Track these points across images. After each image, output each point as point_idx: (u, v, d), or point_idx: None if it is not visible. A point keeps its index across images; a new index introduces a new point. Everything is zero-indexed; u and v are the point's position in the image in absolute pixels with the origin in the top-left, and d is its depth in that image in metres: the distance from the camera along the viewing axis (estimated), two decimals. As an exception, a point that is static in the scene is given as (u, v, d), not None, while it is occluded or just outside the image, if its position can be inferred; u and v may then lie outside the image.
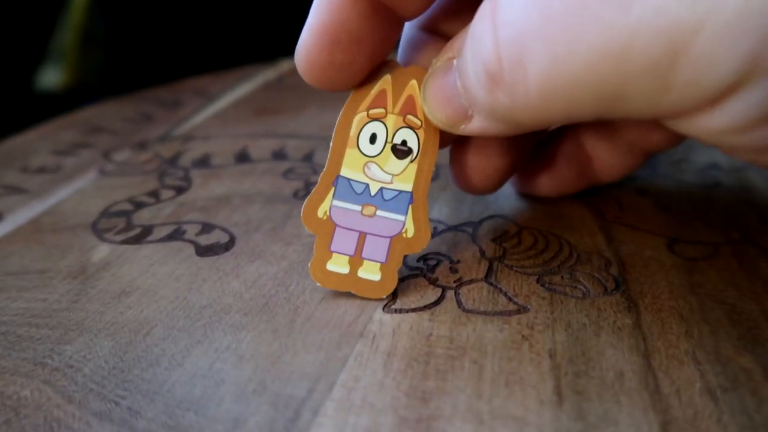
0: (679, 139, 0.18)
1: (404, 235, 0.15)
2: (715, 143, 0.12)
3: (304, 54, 0.14)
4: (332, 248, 0.15)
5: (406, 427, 0.11)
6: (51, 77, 0.64)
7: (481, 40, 0.12)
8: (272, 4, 0.66)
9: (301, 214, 0.15)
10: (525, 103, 0.12)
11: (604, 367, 0.13)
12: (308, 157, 0.24)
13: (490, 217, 0.19)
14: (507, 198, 0.20)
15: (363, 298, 0.15)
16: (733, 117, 0.11)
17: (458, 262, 0.17)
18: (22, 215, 0.21)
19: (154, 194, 0.22)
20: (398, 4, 0.14)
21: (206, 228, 0.19)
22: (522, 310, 0.15)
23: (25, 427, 0.12)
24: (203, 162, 0.25)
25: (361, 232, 0.15)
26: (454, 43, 0.14)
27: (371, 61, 0.15)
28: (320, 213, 0.15)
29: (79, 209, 0.21)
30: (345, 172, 0.15)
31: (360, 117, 0.16)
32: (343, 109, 0.16)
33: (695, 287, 0.15)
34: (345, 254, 0.15)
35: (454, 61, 0.14)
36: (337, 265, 0.15)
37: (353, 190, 0.15)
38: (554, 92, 0.11)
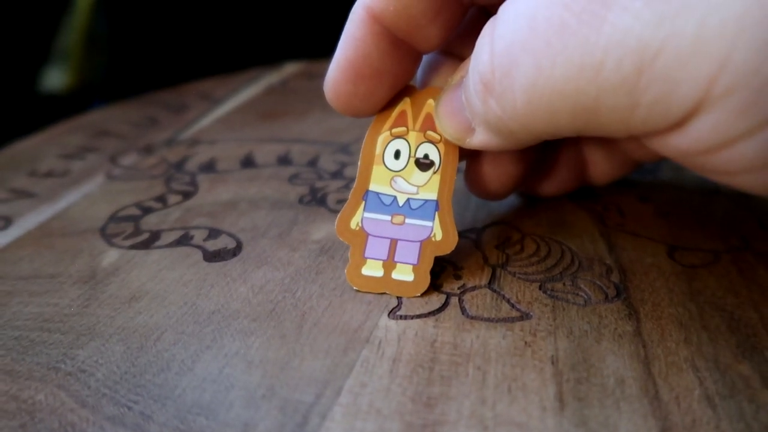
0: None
1: (433, 238, 0.16)
2: (686, 164, 0.13)
3: (332, 85, 0.16)
4: (366, 255, 0.16)
5: (412, 432, 0.12)
6: (55, 79, 0.64)
7: (479, 53, 0.13)
8: (277, 7, 0.66)
9: (335, 228, 0.17)
10: (513, 111, 0.13)
11: (605, 373, 0.13)
12: (313, 162, 0.25)
13: (494, 223, 0.19)
14: (510, 205, 0.21)
15: (370, 304, 0.15)
16: (696, 139, 0.12)
17: (462, 268, 0.17)
18: (31, 220, 0.21)
19: (162, 199, 0.22)
20: (417, 41, 0.16)
21: (213, 233, 0.19)
22: (525, 316, 0.15)
23: (41, 431, 0.12)
24: (209, 167, 0.25)
25: (392, 239, 0.16)
26: (466, 63, 0.15)
27: (392, 90, 0.17)
28: (353, 225, 0.16)
29: (88, 214, 0.21)
30: (373, 186, 0.17)
31: (384, 136, 0.17)
32: (368, 131, 0.17)
33: (695, 294, 0.15)
34: (379, 259, 0.16)
35: (464, 79, 0.15)
36: (372, 269, 0.16)
37: (382, 202, 0.17)
38: (538, 101, 0.12)
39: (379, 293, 0.16)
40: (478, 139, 0.15)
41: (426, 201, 0.16)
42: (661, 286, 0.16)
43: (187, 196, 0.22)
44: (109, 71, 0.66)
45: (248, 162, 0.25)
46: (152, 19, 0.67)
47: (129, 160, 0.26)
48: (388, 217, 0.16)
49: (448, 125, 0.16)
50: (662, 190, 0.22)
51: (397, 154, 0.17)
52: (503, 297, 0.16)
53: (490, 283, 0.16)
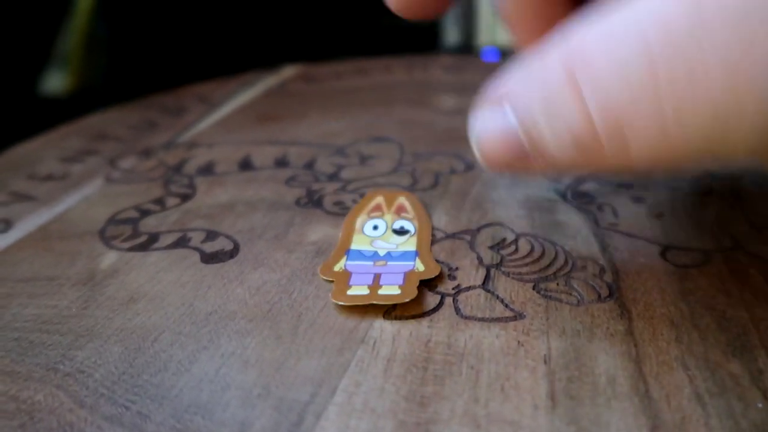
0: None
1: (416, 270, 0.17)
2: None
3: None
4: (351, 283, 0.16)
5: (405, 430, 0.12)
6: (55, 82, 0.64)
7: (563, 107, 0.11)
8: (275, 10, 0.67)
9: (319, 271, 0.17)
10: (618, 165, 0.11)
11: (596, 372, 0.13)
12: (309, 165, 0.25)
13: (488, 224, 0.20)
14: (505, 206, 0.21)
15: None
16: None
17: (456, 269, 0.17)
18: (31, 222, 0.22)
19: (160, 202, 0.22)
20: None
21: (211, 235, 0.20)
22: (518, 316, 0.15)
23: (40, 431, 0.12)
24: (207, 169, 0.25)
25: (376, 273, 0.17)
26: (502, 88, 0.13)
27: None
28: (336, 268, 0.17)
29: (87, 216, 0.22)
30: (355, 246, 0.18)
31: (362, 218, 0.19)
32: (347, 215, 0.20)
33: (686, 294, 0.16)
34: (363, 285, 0.16)
35: (507, 109, 0.13)
36: (358, 291, 0.16)
37: (363, 255, 0.18)
38: (657, 160, 0.11)
39: (366, 304, 0.15)
40: (535, 168, 0.13)
41: (405, 252, 0.18)
42: (653, 286, 0.16)
43: (185, 198, 0.23)
44: (109, 74, 0.66)
45: (246, 164, 0.25)
46: (152, 22, 0.67)
47: (128, 163, 0.27)
48: (371, 263, 0.17)
49: (495, 158, 0.14)
50: (655, 190, 0.22)
51: (375, 227, 0.19)
52: (497, 297, 0.16)
53: (484, 283, 0.16)
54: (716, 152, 0.11)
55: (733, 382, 0.13)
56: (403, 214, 0.20)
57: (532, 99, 0.12)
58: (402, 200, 0.20)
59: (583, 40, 0.11)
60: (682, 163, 0.11)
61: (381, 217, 0.19)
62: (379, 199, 0.20)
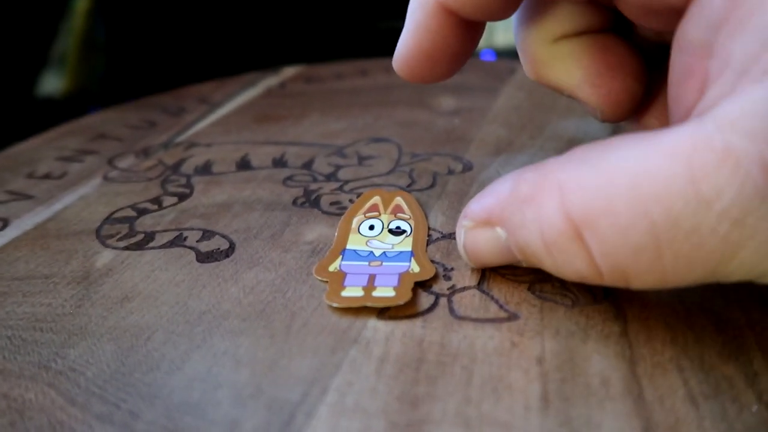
0: None
1: (411, 271, 0.17)
2: None
3: (407, 70, 0.17)
4: (345, 284, 0.16)
5: (397, 431, 0.12)
6: (52, 83, 0.65)
7: (571, 257, 0.13)
8: (275, 11, 0.67)
9: (314, 271, 0.17)
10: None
11: (590, 373, 0.13)
12: (308, 165, 0.25)
13: (485, 225, 0.19)
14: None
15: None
16: None
17: (452, 269, 0.17)
18: (28, 221, 0.22)
19: (157, 201, 0.22)
20: (492, 18, 0.16)
21: (207, 235, 0.20)
22: (513, 317, 0.15)
23: (30, 429, 0.12)
24: (205, 169, 0.25)
25: (370, 274, 0.16)
26: (493, 212, 0.15)
27: (461, 64, 0.17)
28: (330, 269, 0.17)
29: (84, 215, 0.22)
30: (350, 246, 0.18)
31: (358, 218, 0.19)
32: (344, 215, 0.20)
33: (682, 296, 0.16)
34: (358, 286, 0.16)
35: (500, 232, 0.15)
36: (352, 292, 0.16)
37: (359, 254, 0.18)
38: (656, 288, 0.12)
39: (360, 306, 0.15)
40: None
41: (401, 252, 0.18)
42: (649, 287, 0.16)
43: (182, 198, 0.22)
44: (106, 76, 0.66)
45: (244, 164, 0.25)
46: (150, 23, 0.67)
47: (126, 162, 0.27)
48: (366, 263, 0.17)
49: (486, 263, 0.16)
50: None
51: (371, 227, 0.19)
52: (492, 298, 0.16)
53: (479, 283, 0.16)
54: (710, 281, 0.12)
55: (728, 385, 0.13)
56: (400, 214, 0.19)
57: (532, 237, 0.13)
58: (399, 200, 0.20)
59: (583, 193, 0.12)
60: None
61: (377, 217, 0.19)
62: (376, 199, 0.20)
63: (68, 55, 0.65)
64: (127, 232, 0.20)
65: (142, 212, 0.22)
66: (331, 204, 0.21)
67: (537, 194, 0.13)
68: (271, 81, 0.39)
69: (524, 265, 0.15)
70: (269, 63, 0.42)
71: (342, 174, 0.24)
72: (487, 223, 0.15)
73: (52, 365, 0.14)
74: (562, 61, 0.17)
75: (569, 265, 0.13)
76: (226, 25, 0.67)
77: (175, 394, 0.13)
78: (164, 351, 0.14)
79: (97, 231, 0.20)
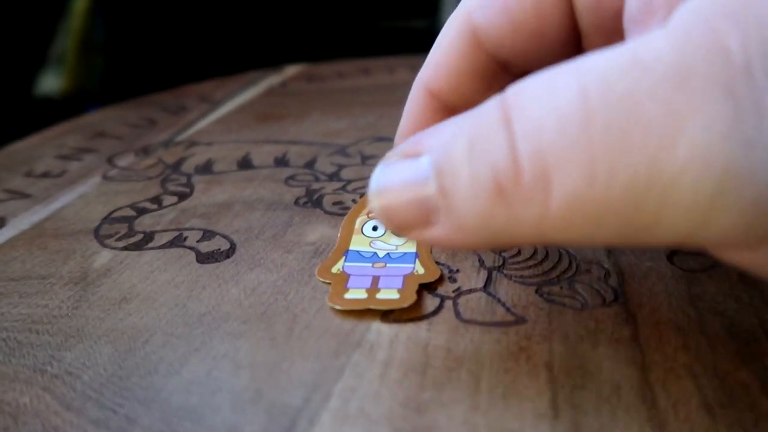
0: None
1: (415, 273, 0.16)
2: (757, 274, 0.11)
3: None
4: (348, 286, 0.16)
5: (402, 438, 0.11)
6: (51, 83, 0.64)
7: (490, 144, 0.11)
8: (276, 10, 0.66)
9: (316, 273, 0.17)
10: (535, 222, 0.10)
11: (601, 380, 0.13)
12: (310, 164, 0.25)
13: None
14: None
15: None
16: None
17: (457, 271, 0.17)
18: (25, 220, 0.21)
19: (157, 200, 0.22)
20: (471, 104, 0.13)
21: (207, 235, 0.19)
22: (520, 320, 0.15)
23: (23, 434, 0.12)
24: (206, 168, 0.25)
25: (374, 276, 0.16)
26: (423, 140, 0.12)
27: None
28: (333, 270, 0.17)
29: (82, 215, 0.21)
30: (353, 247, 0.18)
31: (362, 218, 0.19)
32: (347, 215, 0.19)
33: (694, 299, 0.15)
34: (361, 288, 0.16)
35: (424, 159, 0.12)
36: (355, 294, 0.15)
37: (362, 256, 0.17)
38: (578, 215, 0.10)
39: (363, 309, 0.15)
40: (437, 234, 0.12)
41: (405, 253, 0.17)
42: (659, 290, 0.16)
43: (182, 197, 0.22)
44: (105, 75, 0.66)
45: (245, 163, 0.25)
46: (149, 23, 0.67)
47: (126, 161, 0.26)
48: (370, 265, 0.17)
49: (395, 212, 0.12)
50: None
51: (374, 228, 0.18)
52: (498, 301, 0.15)
53: (485, 286, 0.16)
54: (638, 227, 0.10)
55: (744, 392, 0.12)
56: None
57: (457, 142, 0.11)
58: None
59: (523, 86, 0.11)
60: (599, 234, 0.10)
61: None
62: None
63: (67, 54, 0.64)
64: (126, 231, 0.20)
65: (141, 212, 0.21)
66: (334, 204, 0.21)
67: (478, 107, 0.11)
68: (272, 80, 0.39)
69: (433, 210, 0.12)
70: (270, 62, 0.42)
71: (345, 173, 0.23)
72: (414, 151, 0.12)
73: (48, 368, 0.14)
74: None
75: (487, 158, 0.11)
76: (227, 23, 0.67)
77: (173, 399, 0.13)
78: (162, 354, 0.14)
79: (96, 231, 0.20)
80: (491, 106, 0.11)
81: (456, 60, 0.16)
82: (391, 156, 0.13)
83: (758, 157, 0.09)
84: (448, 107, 0.16)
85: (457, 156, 0.11)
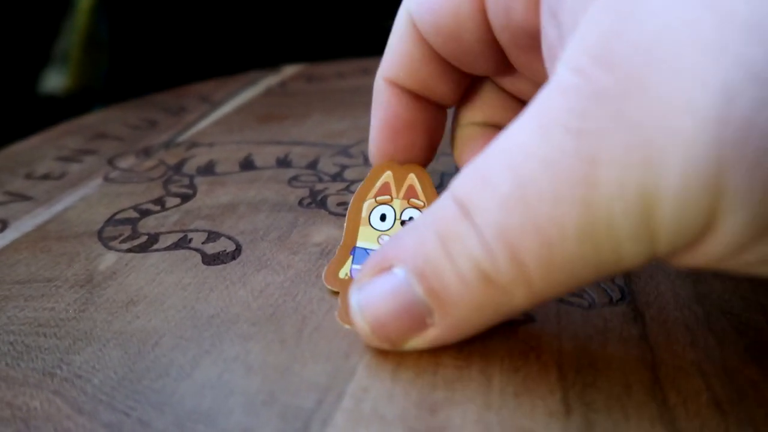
0: None
1: None
2: (718, 269, 0.12)
3: (374, 146, 0.18)
4: None
5: (416, 438, 0.11)
6: (54, 81, 0.64)
7: (462, 239, 0.12)
8: (275, 9, 0.66)
9: (323, 277, 0.16)
10: (526, 292, 0.12)
11: (611, 378, 0.13)
12: (313, 165, 0.25)
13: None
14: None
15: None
16: (724, 245, 0.11)
17: (464, 271, 0.17)
18: (27, 223, 0.21)
19: (160, 202, 0.22)
20: (435, 98, 0.18)
21: (212, 236, 0.19)
22: (528, 320, 0.15)
23: (36, 439, 0.12)
24: (208, 169, 0.25)
25: None
26: (388, 253, 0.13)
27: (429, 137, 0.18)
28: (341, 275, 0.16)
29: (85, 217, 0.21)
30: (361, 243, 0.17)
31: (369, 203, 0.18)
32: (353, 198, 0.18)
33: (701, 297, 0.15)
34: None
35: (397, 270, 0.13)
36: None
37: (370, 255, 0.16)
38: (556, 271, 0.11)
39: None
40: (437, 334, 0.13)
41: None
42: (666, 289, 0.16)
43: (185, 198, 0.22)
44: (109, 74, 0.66)
45: (247, 164, 0.25)
46: (153, 21, 0.67)
47: (127, 162, 0.26)
48: None
49: (389, 325, 0.13)
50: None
51: (383, 218, 0.18)
52: (507, 300, 0.15)
53: (493, 286, 0.16)
54: (608, 261, 0.11)
55: (753, 388, 0.12)
56: (413, 200, 0.18)
57: (427, 245, 0.12)
58: (412, 179, 0.18)
59: (467, 181, 0.12)
60: (583, 276, 0.12)
61: (389, 203, 0.18)
62: (388, 176, 0.18)
63: (71, 52, 0.64)
64: (130, 233, 0.20)
65: (144, 213, 0.21)
66: (338, 204, 0.21)
67: (432, 209, 0.13)
68: (271, 80, 0.39)
69: (426, 311, 0.13)
70: (270, 61, 0.42)
71: (348, 174, 0.23)
72: (382, 266, 0.13)
73: (57, 372, 0.14)
74: (458, 143, 0.19)
75: (463, 253, 0.12)
76: (227, 23, 0.67)
77: (185, 402, 0.13)
78: (173, 357, 0.14)
79: (99, 233, 0.20)
80: (446, 206, 0.12)
81: (407, 46, 0.17)
82: (361, 278, 0.13)
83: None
84: (412, 94, 0.18)
85: (434, 257, 0.12)
